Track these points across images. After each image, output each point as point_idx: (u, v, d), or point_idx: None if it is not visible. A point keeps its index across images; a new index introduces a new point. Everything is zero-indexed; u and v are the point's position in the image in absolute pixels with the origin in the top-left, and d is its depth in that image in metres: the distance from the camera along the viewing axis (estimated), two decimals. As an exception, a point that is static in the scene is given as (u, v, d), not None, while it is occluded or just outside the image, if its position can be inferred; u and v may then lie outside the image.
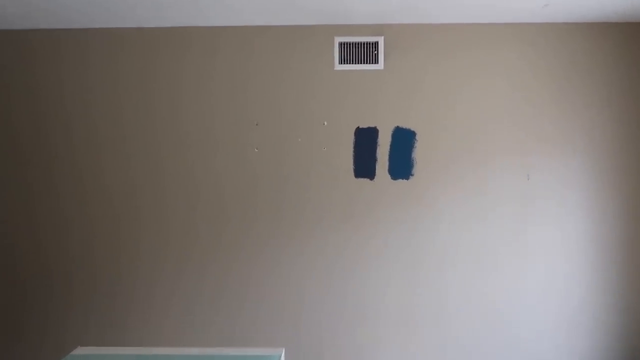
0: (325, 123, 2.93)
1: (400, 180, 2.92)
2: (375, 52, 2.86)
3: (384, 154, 2.92)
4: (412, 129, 2.90)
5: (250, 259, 2.99)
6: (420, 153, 2.90)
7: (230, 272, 3.00)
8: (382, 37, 2.85)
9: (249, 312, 3.01)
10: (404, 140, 2.91)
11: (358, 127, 2.92)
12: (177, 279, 3.02)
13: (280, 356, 2.12)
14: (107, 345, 3.03)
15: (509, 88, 2.88)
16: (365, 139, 2.92)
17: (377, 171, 2.92)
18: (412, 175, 2.91)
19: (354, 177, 2.93)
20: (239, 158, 2.96)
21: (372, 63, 2.87)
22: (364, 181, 2.93)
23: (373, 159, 2.92)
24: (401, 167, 2.92)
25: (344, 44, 2.87)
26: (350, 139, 2.92)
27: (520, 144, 2.88)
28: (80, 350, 2.23)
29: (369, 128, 2.91)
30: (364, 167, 2.93)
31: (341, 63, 2.88)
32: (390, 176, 2.92)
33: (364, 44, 2.86)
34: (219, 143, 2.96)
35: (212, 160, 2.96)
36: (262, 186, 2.96)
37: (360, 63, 2.87)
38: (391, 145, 2.91)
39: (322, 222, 2.96)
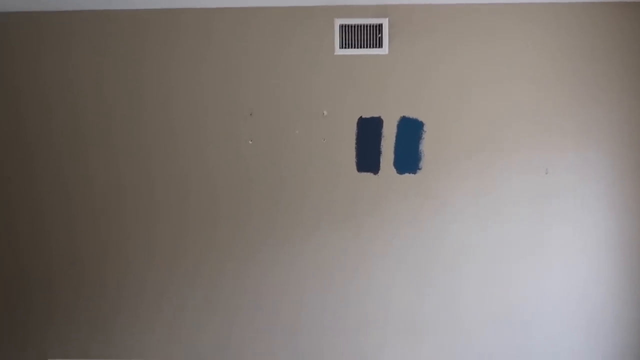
0: (325, 113, 2.70)
1: (406, 174, 2.69)
2: (379, 35, 2.63)
3: (389, 146, 2.69)
4: (420, 119, 2.67)
5: (245, 260, 2.77)
6: (428, 145, 2.67)
7: (224, 274, 2.78)
8: (387, 19, 2.62)
9: (244, 317, 2.80)
10: (410, 131, 2.67)
11: (361, 117, 2.69)
12: (167, 282, 2.80)
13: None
14: (92, 357, 2.83)
15: (526, 76, 2.64)
16: (369, 130, 2.69)
17: (381, 165, 2.69)
18: (419, 169, 2.68)
19: (356, 172, 2.71)
20: (232, 151, 2.74)
21: (376, 47, 2.63)
22: (368, 176, 2.71)
23: (377, 152, 2.69)
24: (408, 160, 2.69)
25: (345, 27, 2.64)
26: (352, 130, 2.70)
27: (537, 136, 2.64)
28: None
29: (372, 118, 2.69)
30: (368, 160, 2.70)
31: (342, 47, 2.65)
32: (396, 170, 2.69)
33: (366, 26, 2.63)
34: (210, 134, 2.74)
35: (204, 153, 2.74)
36: (256, 181, 2.74)
37: (363, 47, 2.64)
38: (397, 137, 2.68)
39: (322, 220, 2.74)
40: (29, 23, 2.75)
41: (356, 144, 2.70)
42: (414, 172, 2.69)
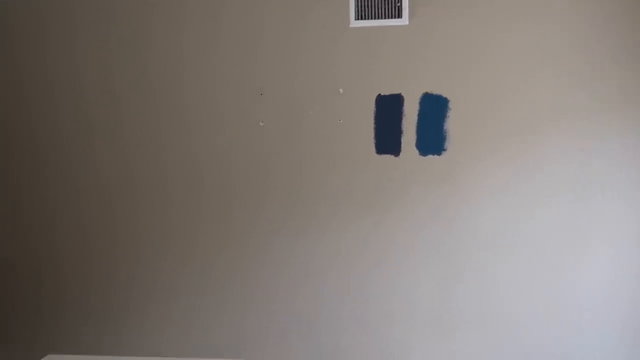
0: (341, 91, 2.49)
1: (430, 156, 2.47)
2: (398, 4, 2.40)
3: (410, 126, 2.46)
4: (445, 95, 2.43)
5: (258, 251, 2.61)
6: (454, 124, 2.44)
7: (237, 266, 2.63)
8: (407, -14, 2.40)
9: (259, 310, 2.63)
10: (434, 108, 2.45)
11: (379, 94, 2.47)
12: (180, 274, 2.67)
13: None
14: (103, 353, 2.71)
15: (565, 45, 2.35)
16: (388, 108, 2.47)
17: (402, 146, 2.48)
18: (444, 150, 2.45)
19: (375, 154, 2.50)
20: (242, 134, 2.56)
21: (395, 17, 2.41)
22: (388, 158, 2.49)
23: (398, 132, 2.47)
24: (432, 140, 2.46)
25: (361, -4, 2.43)
26: (371, 108, 2.48)
27: (579, 113, 2.37)
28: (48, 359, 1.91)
29: (392, 95, 2.47)
30: (388, 141, 2.49)
31: (358, 19, 2.44)
32: (419, 151, 2.47)
33: (384, -5, 2.42)
34: (219, 117, 2.57)
35: (213, 138, 2.58)
36: (268, 167, 2.56)
37: (381, 18, 2.42)
38: (419, 115, 2.46)
39: (339, 207, 2.54)
40: (32, 8, 2.62)
41: (375, 123, 2.49)
42: (439, 154, 2.46)
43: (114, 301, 2.71)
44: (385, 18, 2.42)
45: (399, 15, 2.41)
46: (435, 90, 2.44)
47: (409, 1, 2.39)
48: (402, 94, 2.46)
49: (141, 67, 2.60)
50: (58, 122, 2.67)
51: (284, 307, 2.62)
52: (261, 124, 2.55)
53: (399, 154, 2.48)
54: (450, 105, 2.43)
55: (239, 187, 2.58)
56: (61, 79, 2.65)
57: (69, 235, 2.71)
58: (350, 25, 2.45)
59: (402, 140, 2.47)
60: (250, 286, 2.62)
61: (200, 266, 2.64)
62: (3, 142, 2.72)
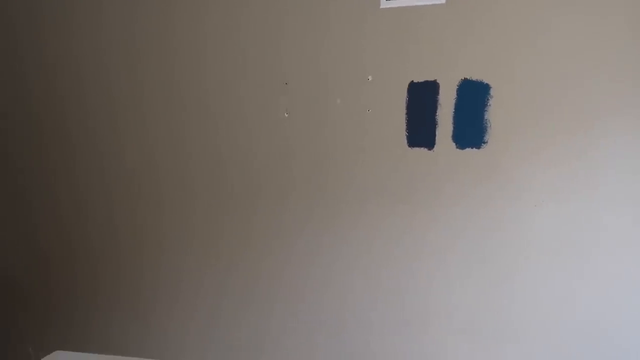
0: (370, 78, 2.30)
1: (468, 149, 2.23)
2: (434, -20, 2.16)
3: (446, 116, 2.23)
4: (486, 82, 2.18)
5: (282, 250, 2.49)
6: (496, 113, 2.18)
7: (260, 266, 2.52)
8: (443, -40, 2.15)
9: (283, 312, 2.52)
10: (474, 96, 2.20)
11: (412, 81, 2.25)
12: (203, 274, 2.61)
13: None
14: (130, 354, 2.72)
15: (629, 34, 2.03)
16: (422, 96, 2.25)
17: (437, 138, 2.25)
18: (484, 142, 2.21)
19: (407, 147, 2.29)
20: (266, 125, 2.43)
21: (430, -4, 2.18)
22: (421, 152, 2.28)
23: (432, 123, 2.25)
24: (470, 132, 2.22)
25: (393, -27, 2.21)
26: (402, 97, 2.27)
27: (642, 97, 2.05)
28: (56, 356, 1.89)
29: (426, 82, 2.24)
30: (421, 133, 2.27)
31: (389, -1, 2.23)
32: (456, 144, 2.24)
33: (418, -30, 2.18)
34: (243, 107, 2.45)
35: (236, 130, 2.47)
36: (293, 161, 2.42)
37: (414, -3, 2.20)
38: (456, 104, 2.22)
39: (367, 205, 2.36)
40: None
41: (407, 113, 2.27)
42: (478, 147, 2.22)
43: (141, 301, 2.70)
44: (418, -3, 2.19)
45: (434, -7, 2.17)
46: (475, 75, 2.18)
47: (445, -23, 2.15)
48: (438, 81, 2.22)
49: (165, 55, 2.51)
50: (87, 113, 2.65)
51: (309, 307, 2.50)
52: (286, 114, 2.41)
53: (433, 147, 2.26)
54: (492, 92, 2.17)
55: (262, 182, 2.46)
56: (88, 69, 2.62)
57: (99, 231, 2.72)
58: (381, 6, 2.23)
59: (437, 132, 2.25)
60: (275, 286, 2.52)
61: (223, 265, 2.56)
62: (37, 135, 2.74)
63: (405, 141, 2.29)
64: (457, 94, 2.21)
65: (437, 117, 2.24)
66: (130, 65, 2.56)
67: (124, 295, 2.73)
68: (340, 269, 2.43)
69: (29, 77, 2.69)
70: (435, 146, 2.26)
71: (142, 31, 2.52)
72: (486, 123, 2.19)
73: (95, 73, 2.60)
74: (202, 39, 2.45)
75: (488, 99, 2.18)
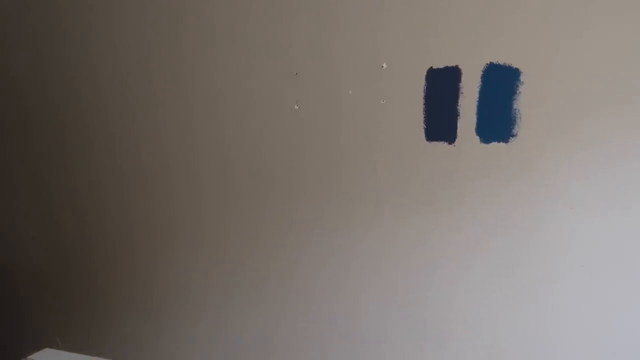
0: (385, 65, 2.08)
1: (494, 143, 1.96)
2: (455, -48, 1.91)
3: (469, 106, 1.97)
4: (515, 66, 1.90)
5: (292, 251, 2.33)
6: (527, 103, 1.90)
7: (271, 266, 2.39)
8: None
9: (294, 313, 2.37)
10: (501, 83, 1.93)
11: (431, 67, 2.01)
12: (211, 277, 2.52)
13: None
14: (143, 357, 2.68)
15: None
16: (442, 84, 2.01)
17: (459, 131, 2.00)
18: (513, 136, 1.93)
19: (425, 140, 2.06)
20: (275, 118, 2.28)
21: (451, -30, 1.93)
22: (441, 146, 2.04)
23: (454, 113, 2.00)
24: (497, 123, 1.95)
25: (408, -53, 1.97)
26: (420, 85, 2.04)
27: None
28: (45, 354, 1.85)
29: (447, 68, 1.99)
30: (440, 125, 2.03)
31: (404, -25, 1.99)
32: (480, 138, 1.98)
33: (437, -58, 1.93)
34: (251, 99, 2.31)
35: (245, 123, 2.33)
36: (304, 156, 2.25)
37: (433, -28, 1.95)
38: (481, 92, 1.95)
39: (383, 204, 2.16)
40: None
41: (425, 104, 2.04)
42: (506, 141, 1.94)
43: (154, 300, 2.65)
44: (437, -28, 1.94)
45: (455, -33, 1.92)
46: (502, 59, 1.91)
47: (467, -53, 1.89)
48: (460, 66, 1.97)
49: (174, 47, 2.41)
50: (104, 113, 2.61)
51: (320, 309, 2.33)
52: (296, 106, 2.24)
53: (454, 141, 2.01)
54: (523, 78, 1.89)
55: (272, 179, 2.31)
56: (104, 71, 2.57)
57: (116, 231, 2.69)
58: (395, -16, 2.01)
59: (459, 123, 2.00)
60: (285, 286, 2.37)
61: (232, 264, 2.44)
62: (60, 135, 2.74)
63: (423, 134, 2.05)
64: (482, 81, 1.95)
65: (458, 107, 1.99)
66: (142, 65, 2.48)
67: (139, 294, 2.68)
68: (354, 272, 2.25)
69: (51, 79, 2.69)
70: (457, 140, 2.01)
71: (153, 28, 2.43)
72: (515, 114, 1.92)
73: (111, 73, 2.55)
74: (210, 31, 2.33)
75: (518, 86, 1.90)
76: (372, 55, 2.08)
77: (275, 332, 2.41)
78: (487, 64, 1.93)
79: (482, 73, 1.94)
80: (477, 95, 1.96)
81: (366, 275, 2.23)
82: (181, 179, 2.48)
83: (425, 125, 2.05)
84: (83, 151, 2.69)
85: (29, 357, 1.81)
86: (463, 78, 1.97)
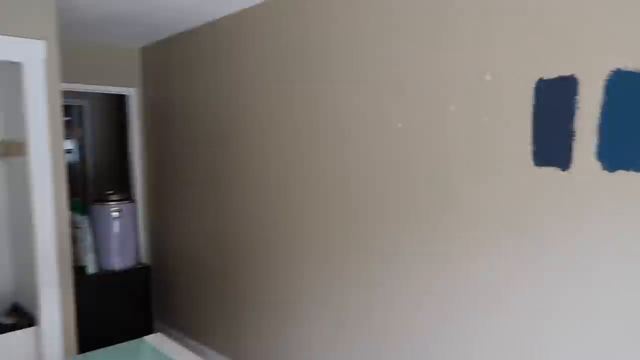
0: (488, 77, 1.81)
1: (622, 172, 1.54)
2: (571, -63, 1.56)
3: (589, 124, 1.59)
4: (651, 72, 1.46)
5: (399, 274, 2.19)
6: (669, 119, 1.44)
7: (377, 290, 2.28)
8: None
9: (396, 339, 2.23)
10: (631, 95, 1.50)
11: (541, 78, 1.68)
12: (324, 296, 2.51)
13: None
14: None
15: None
16: (554, 97, 1.66)
17: (574, 154, 1.62)
18: (648, 162, 1.48)
19: (532, 165, 1.72)
20: (379, 138, 2.18)
21: (565, -41, 1.59)
22: (551, 172, 1.68)
23: (568, 133, 1.63)
24: (626, 146, 1.53)
25: (515, -61, 1.69)
26: (527, 99, 1.72)
27: None
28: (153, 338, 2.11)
29: (560, 79, 1.64)
30: (551, 147, 1.68)
31: (510, -27, 1.71)
32: (602, 164, 1.57)
33: None
34: (356, 119, 2.26)
35: (358, 144, 2.28)
36: (403, 177, 2.11)
37: (543, -35, 1.63)
38: (604, 107, 1.55)
39: (480, 231, 1.88)
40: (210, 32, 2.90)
41: (533, 121, 1.71)
42: (638, 169, 1.50)
43: (289, 309, 2.75)
44: (547, -36, 1.62)
45: (570, -45, 1.57)
46: (633, 64, 1.49)
47: None
48: (576, 76, 1.60)
49: (296, 68, 2.52)
50: (259, 129, 2.87)
51: (422, 341, 2.13)
52: (399, 125, 2.11)
53: (568, 167, 1.64)
54: (662, 87, 1.44)
55: (382, 201, 2.20)
56: (254, 91, 2.83)
57: (264, 243, 2.89)
58: (500, -16, 1.74)
59: (575, 145, 1.62)
60: (388, 310, 2.24)
61: (349, 276, 2.40)
62: (224, 144, 3.07)
63: (531, 158, 1.72)
64: (606, 93, 1.55)
65: (574, 125, 1.61)
66: (264, 77, 2.66)
67: (279, 302, 2.80)
68: (453, 307, 2.00)
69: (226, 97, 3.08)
70: (572, 165, 1.63)
71: (278, 46, 2.59)
72: (651, 133, 1.47)
73: (261, 96, 2.79)
74: (329, 51, 2.36)
75: (654, 98, 1.46)
76: (474, 64, 1.84)
77: (379, 355, 2.30)
78: (612, 71, 1.53)
79: (605, 83, 1.54)
80: (599, 111, 1.56)
81: (467, 311, 1.96)
82: (311, 195, 2.54)
83: (534, 146, 1.71)
84: (244, 161, 2.93)
85: (143, 337, 2.08)
86: (580, 90, 1.59)
